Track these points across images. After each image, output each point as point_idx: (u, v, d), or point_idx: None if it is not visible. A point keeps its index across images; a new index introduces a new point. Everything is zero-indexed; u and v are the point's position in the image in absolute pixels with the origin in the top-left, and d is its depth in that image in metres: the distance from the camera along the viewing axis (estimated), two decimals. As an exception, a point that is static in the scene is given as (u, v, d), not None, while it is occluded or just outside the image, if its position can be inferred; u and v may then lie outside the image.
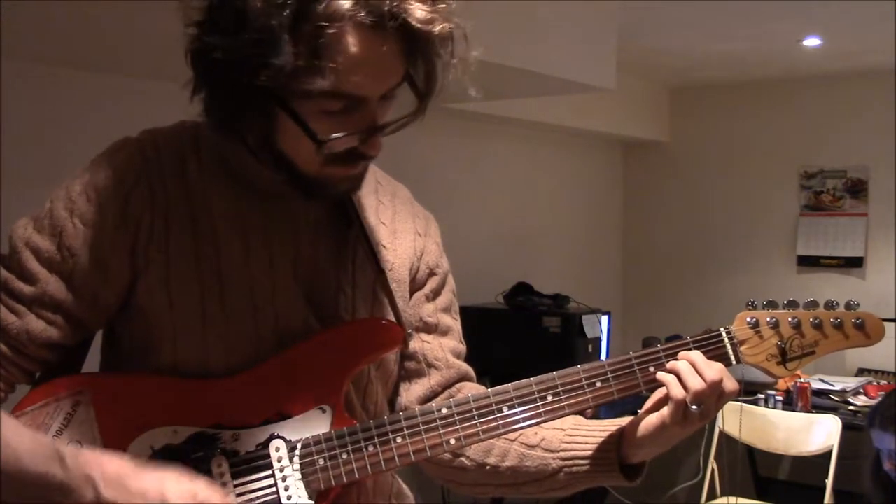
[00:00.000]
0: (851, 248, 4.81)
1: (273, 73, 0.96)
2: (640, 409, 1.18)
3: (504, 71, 2.86)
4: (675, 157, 5.41)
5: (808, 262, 4.95)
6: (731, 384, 1.11)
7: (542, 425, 1.19)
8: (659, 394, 1.15)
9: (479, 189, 4.44)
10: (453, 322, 1.31)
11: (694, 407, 1.09)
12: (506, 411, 1.13)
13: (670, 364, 1.13)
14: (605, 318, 4.06)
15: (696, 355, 1.13)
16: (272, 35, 0.95)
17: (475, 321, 4.23)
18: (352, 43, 0.98)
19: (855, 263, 4.79)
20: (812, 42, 4.11)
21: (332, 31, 0.96)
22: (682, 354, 1.14)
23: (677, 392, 1.10)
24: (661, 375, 1.13)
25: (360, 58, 0.98)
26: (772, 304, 1.19)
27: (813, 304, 1.18)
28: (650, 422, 1.13)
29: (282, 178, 1.11)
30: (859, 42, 4.10)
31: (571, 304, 4.06)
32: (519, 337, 3.94)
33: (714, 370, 1.11)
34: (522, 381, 1.14)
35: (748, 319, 1.18)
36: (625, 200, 5.58)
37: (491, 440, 1.21)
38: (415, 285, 1.26)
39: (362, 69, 0.99)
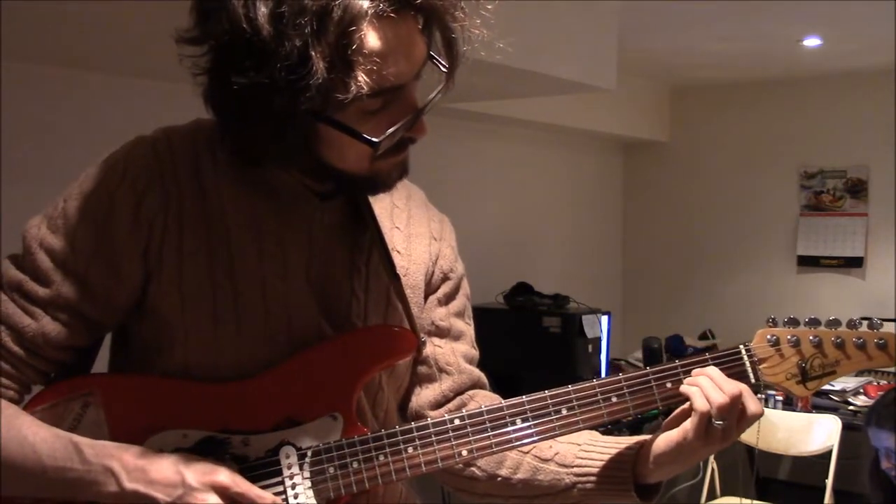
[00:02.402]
0: (851, 248, 4.81)
1: (312, 93, 0.94)
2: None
3: (504, 71, 2.85)
4: (675, 157, 5.40)
5: (808, 262, 4.94)
6: (754, 405, 1.09)
7: (557, 439, 1.18)
8: (680, 410, 1.13)
9: (479, 189, 4.43)
10: (466, 327, 1.30)
11: (718, 422, 1.07)
12: (519, 423, 1.11)
13: (689, 379, 1.11)
14: (605, 318, 4.06)
15: (714, 371, 1.11)
16: (301, 56, 0.92)
17: (475, 321, 4.23)
18: (377, 37, 0.96)
19: (855, 263, 4.79)
20: (812, 42, 4.11)
21: (356, 33, 0.94)
22: (698, 370, 1.12)
23: (701, 404, 1.08)
24: (683, 388, 1.11)
25: (389, 49, 0.97)
26: (793, 322, 1.15)
27: (835, 323, 1.15)
28: (671, 437, 1.12)
29: (329, 186, 1.11)
30: (859, 42, 4.10)
31: (571, 304, 4.05)
32: (519, 337, 3.93)
33: (733, 385, 1.09)
34: (537, 393, 1.13)
35: (768, 337, 1.15)
36: (625, 200, 5.57)
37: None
38: (429, 289, 1.25)
39: (394, 59, 0.98)
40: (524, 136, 4.70)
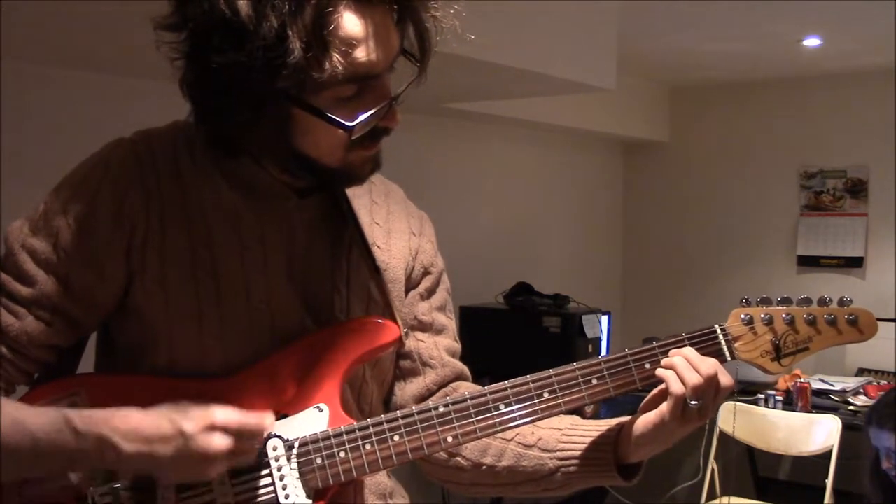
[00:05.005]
0: (851, 248, 4.80)
1: (289, 73, 0.96)
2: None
3: (504, 71, 2.86)
4: (675, 157, 5.40)
5: (808, 262, 4.94)
6: (725, 379, 1.11)
7: (539, 425, 1.19)
8: (657, 391, 1.14)
9: (479, 189, 4.44)
10: (448, 321, 1.31)
11: (693, 402, 1.08)
12: (502, 409, 1.12)
13: (665, 360, 1.12)
14: (605, 318, 4.06)
15: (689, 351, 1.12)
16: (278, 36, 0.94)
17: (475, 321, 4.26)
18: (353, 22, 0.99)
19: (855, 263, 4.79)
20: (812, 42, 4.11)
21: (333, 15, 0.96)
22: (674, 351, 1.13)
23: (676, 387, 1.09)
24: (659, 371, 1.12)
25: (364, 34, 0.99)
26: (766, 301, 1.18)
27: (806, 301, 1.18)
28: (649, 419, 1.13)
29: (306, 182, 1.12)
30: (859, 42, 4.10)
31: (571, 304, 4.06)
32: (519, 337, 3.94)
33: (708, 364, 1.10)
34: (519, 378, 1.14)
35: (742, 316, 1.18)
36: (625, 200, 5.58)
37: (487, 440, 1.21)
38: (410, 284, 1.27)
39: (369, 45, 1.00)
40: (524, 136, 4.71)
